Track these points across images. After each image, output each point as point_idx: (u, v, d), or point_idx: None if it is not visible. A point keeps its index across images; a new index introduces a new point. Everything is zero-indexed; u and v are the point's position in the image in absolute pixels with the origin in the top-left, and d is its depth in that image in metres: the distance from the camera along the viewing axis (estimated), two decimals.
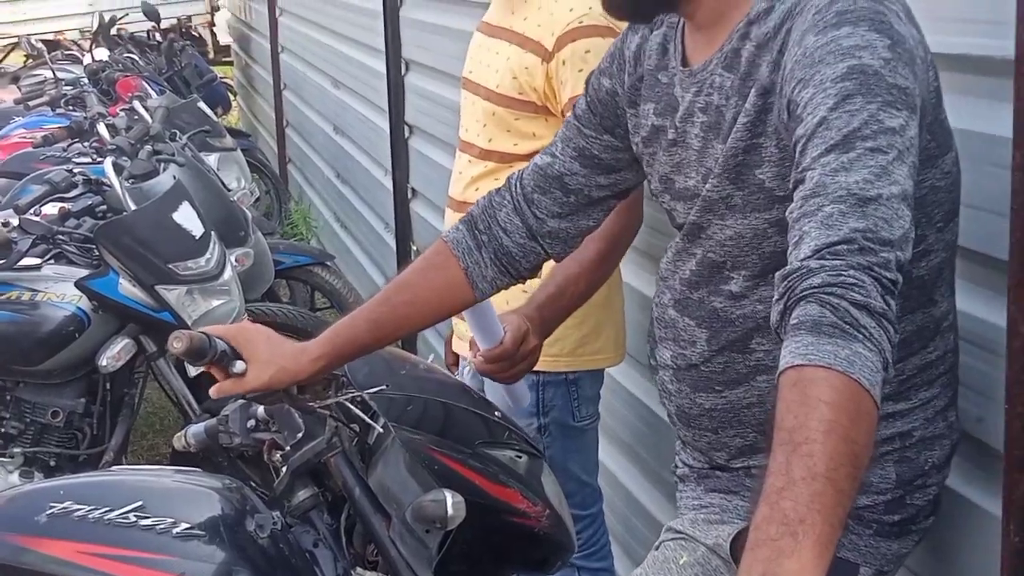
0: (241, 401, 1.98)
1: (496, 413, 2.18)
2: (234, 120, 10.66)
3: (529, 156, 2.44)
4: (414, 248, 4.95)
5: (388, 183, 5.18)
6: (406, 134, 4.90)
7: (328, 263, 5.14)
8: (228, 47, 12.49)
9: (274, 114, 8.67)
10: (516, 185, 1.93)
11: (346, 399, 1.97)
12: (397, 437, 1.97)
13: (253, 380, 1.82)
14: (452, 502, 1.86)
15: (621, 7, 1.71)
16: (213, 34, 12.71)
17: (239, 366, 1.81)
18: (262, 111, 9.77)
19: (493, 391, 2.37)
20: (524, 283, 2.02)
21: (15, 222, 3.67)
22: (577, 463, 2.61)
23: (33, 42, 9.21)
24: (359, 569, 1.98)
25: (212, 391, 1.86)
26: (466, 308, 2.01)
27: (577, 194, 1.89)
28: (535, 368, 2.24)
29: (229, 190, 5.02)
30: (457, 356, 2.71)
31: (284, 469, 1.96)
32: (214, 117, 6.35)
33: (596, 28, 2.36)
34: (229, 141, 5.93)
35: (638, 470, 3.02)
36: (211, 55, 12.16)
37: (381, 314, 1.92)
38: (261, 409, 1.96)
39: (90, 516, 1.93)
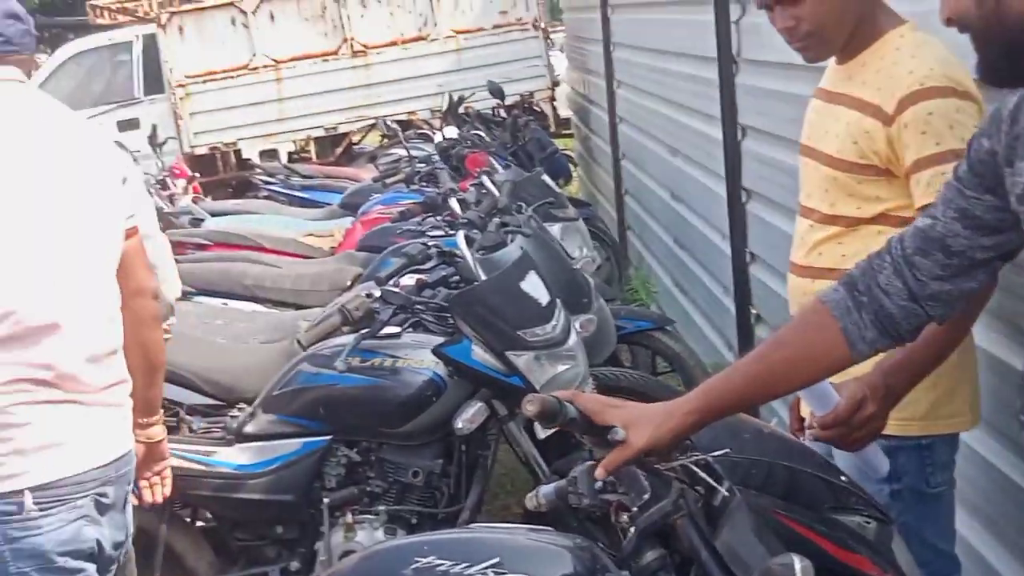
0: (589, 463, 2.05)
1: (842, 478, 2.15)
2: (575, 190, 10.95)
3: (874, 219, 2.43)
4: (754, 312, 4.94)
5: (726, 248, 5.20)
6: (743, 199, 4.92)
7: (668, 328, 5.19)
8: (568, 120, 12.87)
9: (613, 183, 8.85)
10: (897, 247, 1.93)
11: (691, 461, 2.00)
12: (743, 500, 1.99)
13: (636, 441, 1.87)
14: (800, 567, 1.84)
15: (997, 74, 1.71)
16: (554, 108, 13.12)
17: (620, 433, 1.88)
18: (601, 180, 10.00)
19: (843, 458, 2.34)
20: (903, 344, 1.99)
21: (377, 293, 3.92)
22: (932, 531, 2.54)
23: (388, 123, 9.77)
24: None
25: (599, 471, 1.92)
26: (842, 369, 2.01)
27: (959, 256, 1.87)
28: (886, 432, 2.21)
29: (572, 258, 5.16)
30: (802, 420, 2.69)
31: (631, 530, 2.00)
32: (557, 188, 6.55)
33: (938, 90, 2.33)
34: (571, 211, 6.10)
35: (997, 540, 2.89)
36: (552, 128, 12.54)
37: (757, 371, 1.96)
38: None
39: (452, 571, 2.04)
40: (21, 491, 2.51)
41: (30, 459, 2.52)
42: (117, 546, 2.73)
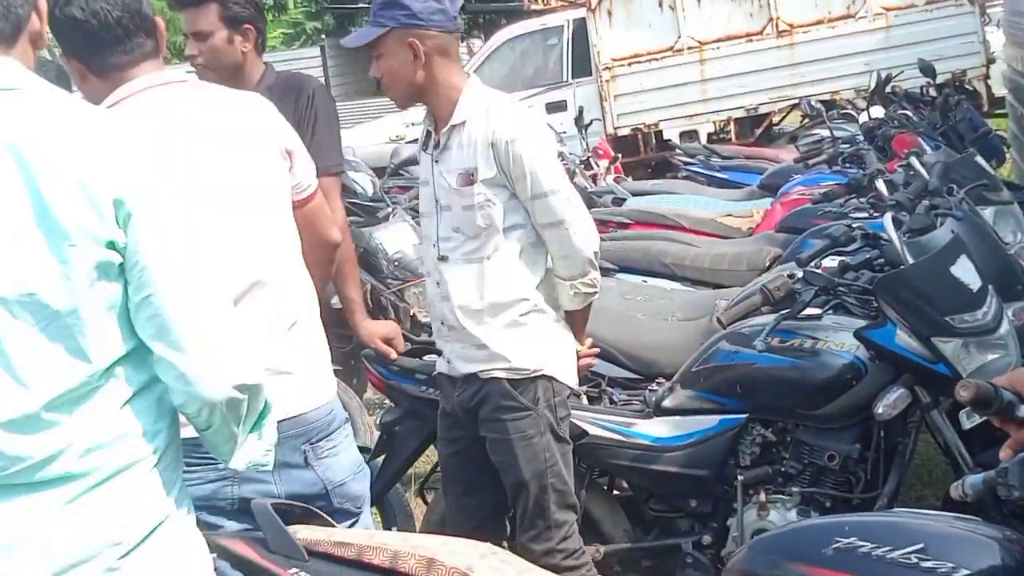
0: (1023, 455, 1.97)
1: None
2: (1007, 172, 10.35)
3: None
4: None
5: None
6: None
7: None
8: (1003, 99, 12.16)
9: None
10: None
11: None
12: None
13: None
14: None
15: None
16: (988, 87, 12.44)
17: None
18: None
19: None
20: None
21: (799, 274, 3.90)
22: None
23: (812, 103, 9.62)
24: None
25: (1002, 452, 1.88)
26: None
27: None
28: None
29: (1006, 243, 4.91)
30: None
31: None
32: (990, 170, 6.23)
33: None
34: (1006, 194, 5.78)
35: None
36: (985, 108, 11.89)
37: None
38: None
39: (873, 553, 2.04)
40: None
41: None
42: (303, 498, 2.82)
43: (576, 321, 3.62)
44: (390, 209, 6.96)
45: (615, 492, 4.25)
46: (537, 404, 3.49)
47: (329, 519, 2.66)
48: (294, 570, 2.37)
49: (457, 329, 3.55)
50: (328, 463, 2.97)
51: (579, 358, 3.67)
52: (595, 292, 3.54)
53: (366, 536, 2.46)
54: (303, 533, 2.45)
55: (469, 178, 3.45)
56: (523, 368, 3.48)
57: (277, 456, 2.69)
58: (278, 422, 2.66)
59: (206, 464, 2.73)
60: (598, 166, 9.20)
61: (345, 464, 3.03)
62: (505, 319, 3.48)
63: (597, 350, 3.82)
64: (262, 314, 2.82)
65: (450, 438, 3.74)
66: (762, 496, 3.84)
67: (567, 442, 3.61)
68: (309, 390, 2.95)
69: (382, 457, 4.24)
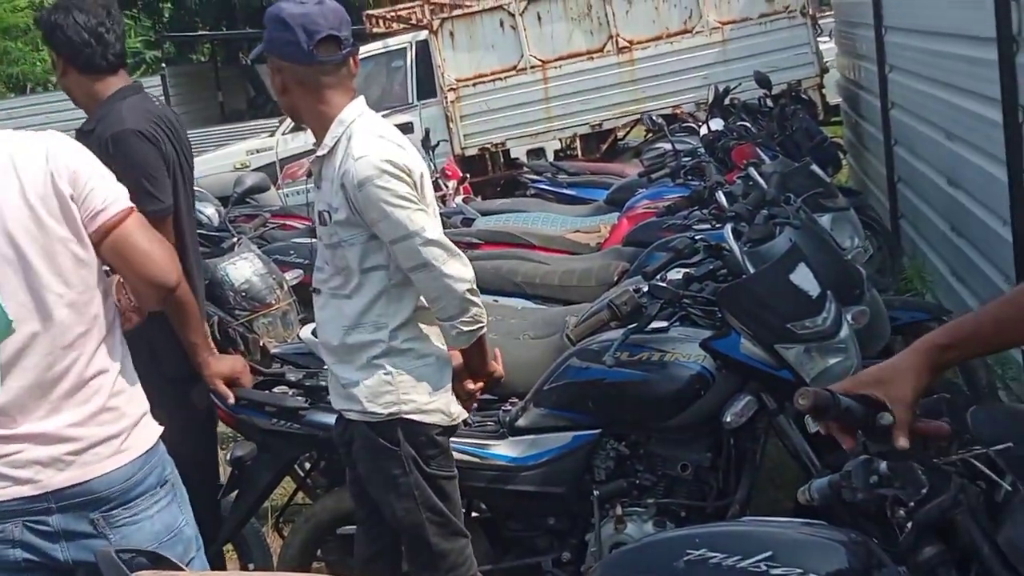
0: (864, 457, 2.01)
1: None
2: (844, 179, 10.66)
3: None
4: None
5: (1007, 234, 4.97)
6: None
7: (945, 318, 5.01)
8: (837, 107, 12.54)
9: (885, 170, 8.58)
10: None
11: (971, 455, 1.95)
12: None
13: (904, 395, 1.89)
14: None
15: None
16: (822, 96, 12.81)
17: (885, 418, 1.88)
18: (872, 167, 9.70)
19: None
20: None
21: (644, 288, 3.95)
22: None
23: (653, 118, 9.77)
24: None
25: (900, 439, 1.92)
26: None
27: None
28: None
29: (843, 249, 5.05)
30: None
31: (908, 526, 1.96)
32: (826, 178, 6.41)
33: None
34: (842, 201, 5.96)
35: None
36: (821, 116, 12.24)
37: (1008, 314, 1.93)
38: (884, 465, 1.98)
39: (724, 564, 2.05)
40: None
41: None
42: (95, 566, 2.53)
43: (470, 357, 3.48)
44: (235, 239, 6.82)
45: (473, 514, 4.22)
46: (399, 445, 3.40)
47: (178, 563, 2.58)
48: None
49: (328, 364, 3.51)
50: (124, 531, 2.77)
51: (468, 394, 3.55)
52: (480, 327, 3.37)
53: None
54: None
55: (325, 217, 3.38)
56: (376, 412, 3.38)
57: (61, 524, 2.69)
58: (63, 489, 2.67)
59: None
60: (447, 187, 9.20)
61: (149, 532, 2.82)
62: (359, 361, 3.39)
63: (484, 384, 3.61)
64: (35, 368, 2.69)
65: (349, 464, 3.64)
66: (619, 510, 3.87)
67: (444, 475, 3.51)
68: (96, 456, 2.75)
69: (234, 493, 4.15)
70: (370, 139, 3.30)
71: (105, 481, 2.75)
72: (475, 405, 3.74)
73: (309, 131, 3.62)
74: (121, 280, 2.95)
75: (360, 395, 3.38)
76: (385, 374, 3.37)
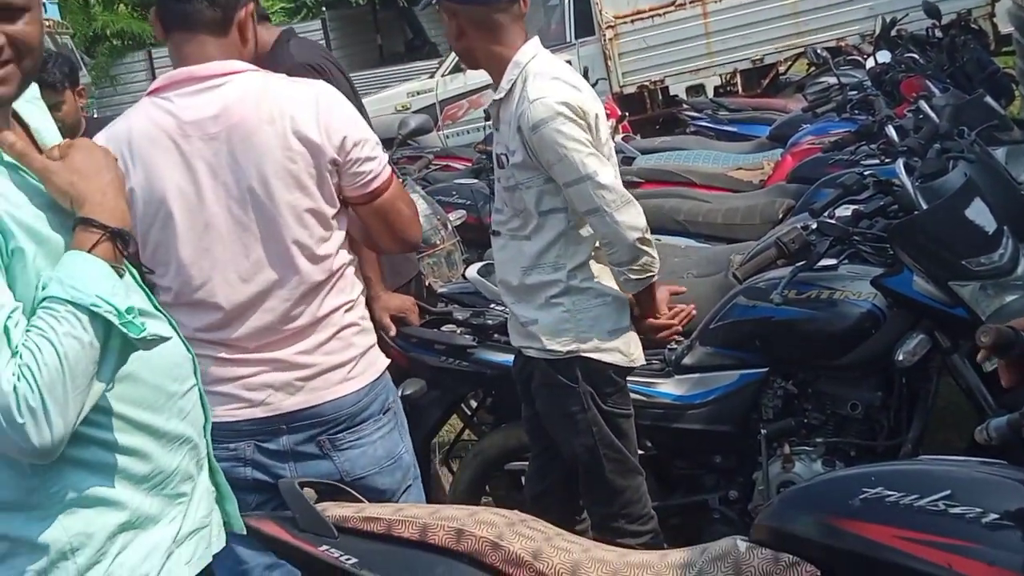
0: None
1: None
2: (1016, 110, 10.27)
3: None
4: None
5: None
6: None
7: None
8: (1009, 36, 12.05)
9: None
10: None
11: None
12: None
13: None
14: None
15: None
16: (994, 25, 12.35)
17: None
18: None
19: None
20: None
21: (813, 225, 3.89)
22: None
23: (818, 51, 9.55)
24: None
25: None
26: None
27: None
28: None
29: (1019, 183, 4.88)
30: None
31: None
32: (1000, 110, 6.19)
33: None
34: (1017, 134, 5.73)
35: None
36: (992, 46, 11.80)
37: None
38: None
39: (901, 502, 2.04)
40: None
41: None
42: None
43: (641, 301, 3.49)
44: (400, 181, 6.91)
45: (640, 452, 4.25)
46: (578, 382, 3.45)
47: (357, 495, 2.68)
48: (325, 547, 2.39)
49: (507, 303, 3.58)
50: (348, 455, 2.92)
51: (657, 329, 3.58)
52: (649, 276, 3.38)
53: (394, 510, 2.47)
54: (332, 510, 2.46)
55: (503, 160, 3.43)
56: (555, 350, 3.44)
57: (290, 445, 2.84)
58: (294, 412, 2.82)
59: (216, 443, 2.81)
60: None
61: (372, 457, 2.96)
62: (538, 300, 3.45)
63: (680, 319, 3.65)
64: (272, 311, 2.82)
65: (526, 401, 3.72)
66: (786, 449, 3.85)
67: (621, 412, 3.55)
68: (325, 382, 2.89)
69: None
70: (545, 81, 3.31)
71: (333, 406, 2.89)
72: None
73: (468, 72, 3.71)
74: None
75: (539, 333, 3.44)
76: (564, 312, 3.42)
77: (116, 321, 1.81)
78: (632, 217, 3.30)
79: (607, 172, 3.30)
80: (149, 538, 2.02)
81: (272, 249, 2.79)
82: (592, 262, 3.44)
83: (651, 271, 3.38)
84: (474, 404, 4.81)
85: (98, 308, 1.79)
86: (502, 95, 3.39)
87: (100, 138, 2.66)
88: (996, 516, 1.96)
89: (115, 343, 1.86)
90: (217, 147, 2.73)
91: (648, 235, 3.35)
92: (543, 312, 3.44)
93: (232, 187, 2.74)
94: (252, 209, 2.76)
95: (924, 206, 3.75)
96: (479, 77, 7.65)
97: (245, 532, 2.37)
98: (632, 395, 3.85)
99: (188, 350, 2.16)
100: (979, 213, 3.70)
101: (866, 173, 4.26)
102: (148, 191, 2.73)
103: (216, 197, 2.75)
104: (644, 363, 3.71)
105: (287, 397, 2.85)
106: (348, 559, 2.36)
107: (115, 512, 1.96)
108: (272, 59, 3.79)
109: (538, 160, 3.30)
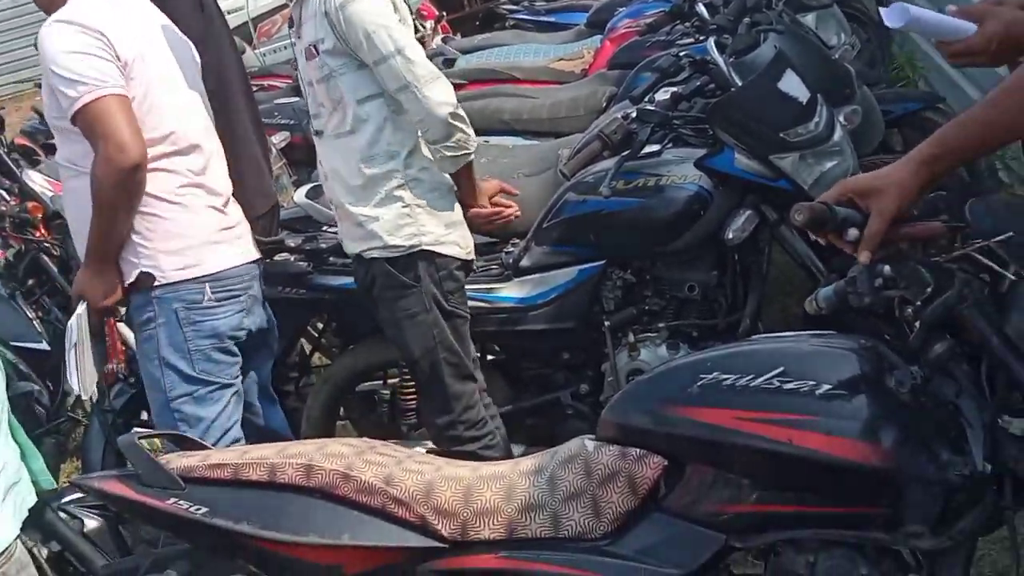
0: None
1: None
2: None
3: None
4: None
5: None
6: None
7: (939, 105, 4.95)
8: None
9: None
10: None
11: (973, 250, 1.95)
12: None
13: (887, 207, 1.88)
14: None
15: None
16: None
17: (852, 234, 1.86)
18: None
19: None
20: None
21: (633, 113, 3.90)
22: None
23: None
24: (1006, 416, 1.95)
25: (862, 254, 1.92)
26: None
27: None
28: None
29: (830, 48, 4.95)
30: None
31: (917, 324, 1.97)
32: None
33: None
34: None
35: None
36: None
37: (991, 117, 1.90)
38: (887, 268, 1.97)
39: (738, 384, 2.07)
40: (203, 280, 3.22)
41: (202, 252, 3.26)
42: (262, 332, 3.57)
43: (459, 184, 3.57)
44: None
45: (488, 357, 4.27)
46: (420, 281, 3.49)
47: (202, 442, 2.63)
48: (172, 500, 2.33)
49: (339, 207, 3.56)
50: None
51: (481, 219, 3.68)
52: (465, 154, 3.46)
53: (240, 453, 2.42)
54: (176, 462, 2.40)
55: (312, 51, 3.41)
56: (397, 245, 3.46)
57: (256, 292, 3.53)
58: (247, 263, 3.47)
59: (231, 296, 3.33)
60: (424, 28, 9.01)
61: None
62: (378, 195, 3.46)
63: (505, 204, 3.79)
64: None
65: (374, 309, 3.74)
66: (631, 337, 3.90)
67: (460, 315, 3.62)
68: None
69: None
70: None
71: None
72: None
73: None
74: None
75: (380, 230, 3.46)
76: (403, 207, 3.45)
77: None
78: (441, 92, 3.36)
79: (416, 48, 3.35)
80: None
81: None
82: (423, 146, 3.48)
83: (466, 148, 3.45)
84: (320, 327, 4.75)
85: None
86: None
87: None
88: (828, 387, 2.00)
89: None
90: None
91: (460, 111, 3.41)
92: (383, 208, 3.45)
93: None
94: None
95: (738, 83, 3.78)
96: None
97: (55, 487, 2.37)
98: (474, 302, 3.85)
99: None
100: (792, 84, 3.75)
101: (681, 54, 4.25)
102: None
103: None
104: (476, 268, 3.74)
105: None
106: (198, 509, 2.31)
107: None
108: None
109: (347, 43, 3.31)
